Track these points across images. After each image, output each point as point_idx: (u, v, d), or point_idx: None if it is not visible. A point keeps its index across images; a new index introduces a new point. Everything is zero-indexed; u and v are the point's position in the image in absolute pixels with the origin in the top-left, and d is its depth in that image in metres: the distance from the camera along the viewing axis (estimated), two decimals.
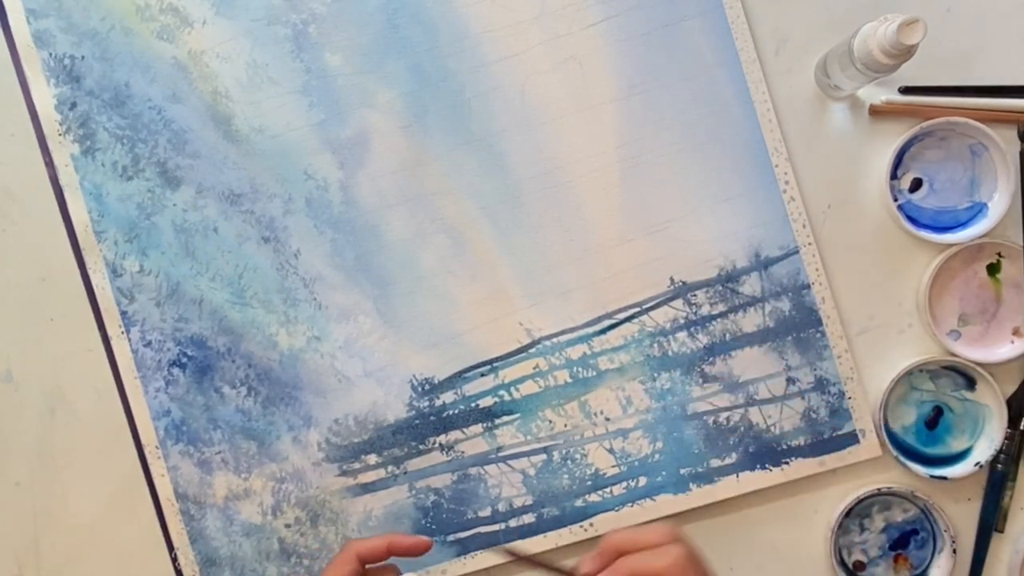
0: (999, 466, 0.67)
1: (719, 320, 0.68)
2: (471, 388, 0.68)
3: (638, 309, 0.68)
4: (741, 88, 0.67)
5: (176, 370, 0.68)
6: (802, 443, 0.67)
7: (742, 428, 0.67)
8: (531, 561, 0.60)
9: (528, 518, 0.67)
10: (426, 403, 0.68)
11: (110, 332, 0.68)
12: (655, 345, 0.68)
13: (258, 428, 0.68)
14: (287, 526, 0.68)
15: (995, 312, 0.68)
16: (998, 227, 0.66)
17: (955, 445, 0.68)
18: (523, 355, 0.68)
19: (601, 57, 0.68)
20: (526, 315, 0.68)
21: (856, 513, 0.68)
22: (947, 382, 0.68)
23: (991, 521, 0.67)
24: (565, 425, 0.68)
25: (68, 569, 0.68)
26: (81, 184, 0.68)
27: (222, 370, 0.68)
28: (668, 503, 0.67)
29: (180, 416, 0.68)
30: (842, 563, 0.67)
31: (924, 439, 0.68)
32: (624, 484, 0.67)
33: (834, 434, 0.67)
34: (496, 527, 0.68)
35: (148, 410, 0.68)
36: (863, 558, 0.68)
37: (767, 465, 0.67)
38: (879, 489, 0.66)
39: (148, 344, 0.68)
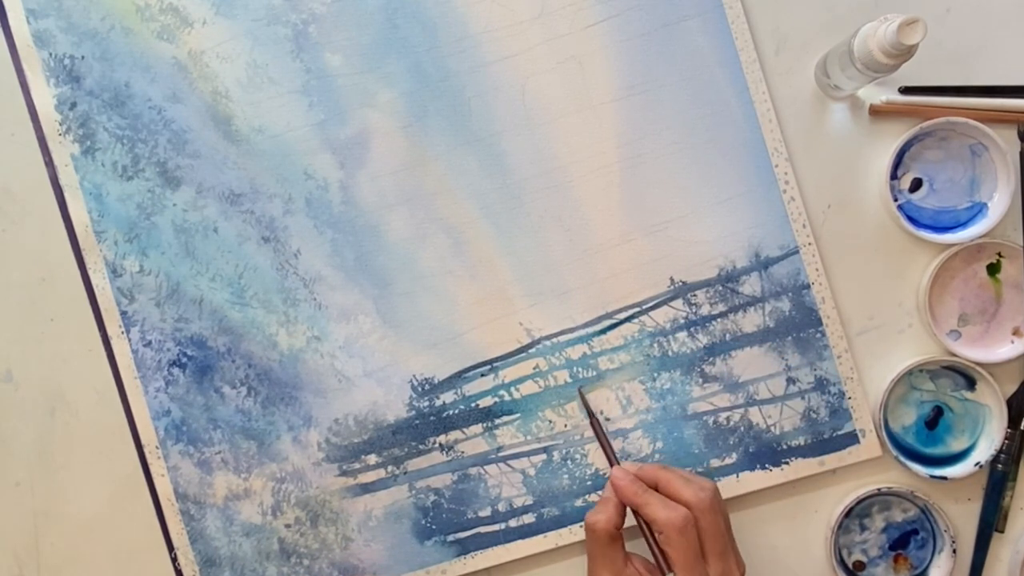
0: (999, 466, 0.67)
1: (719, 320, 0.68)
2: (471, 388, 0.68)
3: (638, 309, 0.68)
4: (741, 88, 0.67)
5: (176, 370, 0.68)
6: (802, 443, 0.67)
7: (742, 428, 0.67)
8: (594, 426, 0.66)
9: (528, 518, 0.67)
10: (426, 403, 0.68)
11: (110, 332, 0.68)
12: (655, 345, 0.68)
13: (258, 428, 0.68)
14: (287, 526, 0.68)
15: (995, 312, 0.68)
16: (998, 227, 0.66)
17: (955, 445, 0.68)
18: (523, 355, 0.68)
19: (601, 57, 0.68)
20: (526, 315, 0.68)
21: (856, 513, 0.68)
22: (947, 382, 0.68)
23: (991, 521, 0.67)
24: (565, 425, 0.68)
25: (68, 569, 0.68)
26: (81, 184, 0.68)
27: (222, 370, 0.68)
28: None
29: (180, 416, 0.68)
30: (842, 563, 0.67)
31: (924, 439, 0.68)
32: None
33: (834, 434, 0.67)
34: (496, 527, 0.68)
35: (148, 410, 0.68)
36: (863, 558, 0.68)
37: (767, 465, 0.67)
38: (879, 489, 0.66)
39: (148, 344, 0.68)
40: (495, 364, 0.68)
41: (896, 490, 0.66)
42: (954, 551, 0.66)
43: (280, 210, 0.68)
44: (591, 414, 0.66)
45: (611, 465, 0.64)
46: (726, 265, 0.68)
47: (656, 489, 0.60)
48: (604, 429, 0.66)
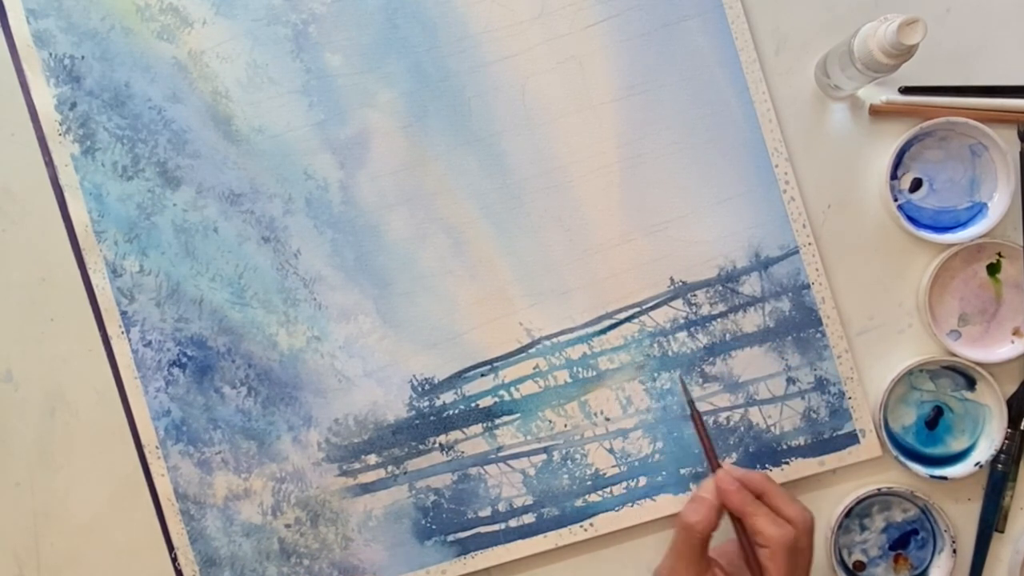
0: (999, 466, 0.67)
1: (719, 320, 0.68)
2: (471, 388, 0.68)
3: (638, 309, 0.68)
4: (741, 88, 0.67)
5: (176, 370, 0.68)
6: (802, 443, 0.67)
7: (742, 428, 0.67)
8: (695, 419, 0.65)
9: (528, 518, 0.67)
10: (426, 403, 0.68)
11: (110, 332, 0.68)
12: (655, 345, 0.68)
13: (258, 428, 0.68)
14: (287, 526, 0.68)
15: (995, 312, 0.68)
16: (998, 227, 0.66)
17: (955, 445, 0.68)
18: (523, 355, 0.68)
19: (601, 57, 0.68)
20: (526, 315, 0.68)
21: (856, 513, 0.68)
22: (947, 382, 0.68)
23: (991, 521, 0.67)
24: (565, 425, 0.68)
25: (68, 569, 0.68)
26: (81, 184, 0.68)
27: (222, 370, 0.68)
28: (668, 503, 0.67)
29: (180, 416, 0.68)
30: (842, 563, 0.67)
31: (924, 439, 0.68)
32: (624, 484, 0.67)
33: (834, 434, 0.67)
34: (496, 527, 0.68)
35: (148, 410, 0.68)
36: (863, 558, 0.68)
37: (767, 465, 0.67)
38: (879, 489, 0.66)
39: (148, 344, 0.68)
40: (495, 364, 0.68)
41: (896, 490, 0.66)
42: (954, 551, 0.66)
43: (280, 210, 0.68)
44: (691, 404, 0.65)
45: (711, 464, 0.63)
46: (726, 265, 0.68)
47: (760, 499, 0.60)
48: (705, 423, 0.65)
